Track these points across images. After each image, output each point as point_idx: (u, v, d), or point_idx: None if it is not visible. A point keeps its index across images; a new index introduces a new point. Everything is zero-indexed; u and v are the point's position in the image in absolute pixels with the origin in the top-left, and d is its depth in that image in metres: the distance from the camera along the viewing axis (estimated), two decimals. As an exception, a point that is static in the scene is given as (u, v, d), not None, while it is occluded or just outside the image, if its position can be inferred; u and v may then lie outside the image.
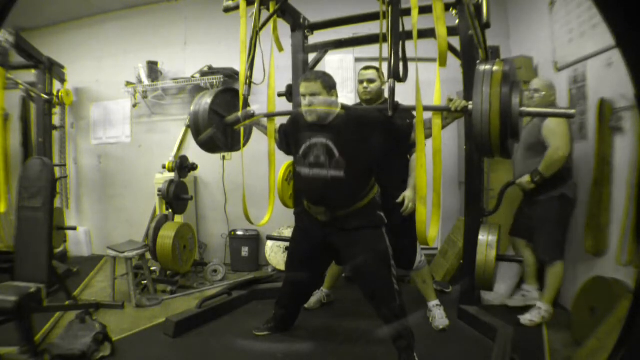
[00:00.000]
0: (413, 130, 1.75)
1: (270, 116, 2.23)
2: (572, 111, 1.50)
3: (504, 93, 1.47)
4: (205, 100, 2.16)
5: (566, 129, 2.40)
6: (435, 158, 1.65)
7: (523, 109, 1.53)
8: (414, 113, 1.70)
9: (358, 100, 2.60)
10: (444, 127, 1.72)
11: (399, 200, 2.20)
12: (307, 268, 2.19)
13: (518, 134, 1.58)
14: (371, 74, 2.42)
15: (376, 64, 2.46)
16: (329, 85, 1.93)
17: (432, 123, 1.70)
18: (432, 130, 1.69)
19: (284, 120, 2.28)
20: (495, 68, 1.54)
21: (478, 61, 2.32)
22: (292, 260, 2.26)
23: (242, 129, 2.22)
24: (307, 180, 1.99)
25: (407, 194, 2.20)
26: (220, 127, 2.21)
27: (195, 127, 2.15)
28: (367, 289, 2.00)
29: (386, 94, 1.78)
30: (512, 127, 1.50)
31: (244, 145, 2.26)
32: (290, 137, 2.15)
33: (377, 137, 1.89)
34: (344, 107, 2.00)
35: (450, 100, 1.72)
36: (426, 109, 1.64)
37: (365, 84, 2.42)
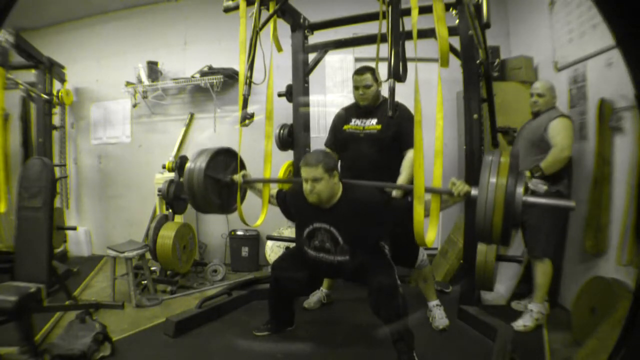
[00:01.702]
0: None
1: (267, 182, 2.26)
2: (572, 203, 1.52)
3: (510, 184, 1.49)
4: (201, 161, 2.14)
5: (572, 131, 2.41)
6: (436, 159, 1.65)
7: (525, 199, 1.53)
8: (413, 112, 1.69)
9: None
10: (443, 209, 1.73)
11: (395, 195, 2.22)
12: (297, 274, 2.19)
13: (518, 223, 1.57)
14: (367, 79, 2.37)
15: (375, 64, 2.46)
16: (330, 167, 1.94)
17: (431, 202, 1.71)
18: (430, 212, 1.71)
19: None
20: (502, 159, 1.55)
21: (479, 61, 2.33)
22: (283, 262, 2.27)
23: (239, 184, 2.21)
24: (314, 262, 2.09)
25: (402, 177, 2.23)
26: (216, 191, 2.21)
27: (190, 190, 2.14)
28: (369, 289, 2.00)
29: (385, 94, 1.78)
30: (514, 217, 1.51)
31: (241, 202, 2.28)
32: (292, 210, 2.22)
33: (378, 221, 1.97)
34: (344, 188, 2.03)
35: (454, 183, 1.71)
36: (428, 191, 1.64)
37: (361, 91, 2.38)
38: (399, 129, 2.31)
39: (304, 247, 2.11)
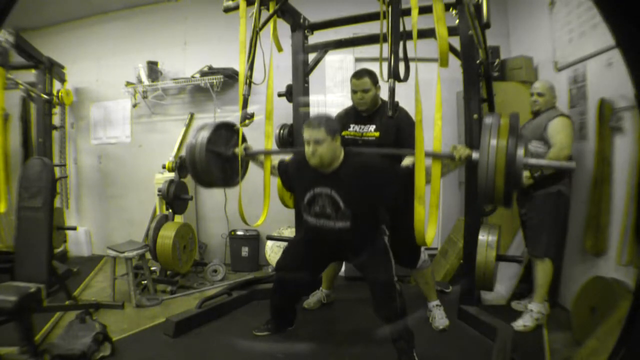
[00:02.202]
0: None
1: (269, 153, 2.24)
2: (573, 164, 1.54)
3: (510, 145, 1.50)
4: (203, 134, 2.14)
5: (572, 130, 2.42)
6: (435, 160, 1.65)
7: (526, 160, 1.55)
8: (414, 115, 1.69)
9: None
10: (445, 174, 1.72)
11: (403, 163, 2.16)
12: (300, 270, 2.18)
13: (520, 184, 1.60)
14: (365, 83, 2.32)
15: (376, 64, 2.45)
16: (333, 130, 1.92)
17: (432, 168, 1.70)
18: (432, 173, 1.70)
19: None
20: (501, 121, 1.56)
21: (479, 61, 2.33)
22: (286, 260, 2.26)
23: (240, 156, 2.21)
24: (314, 229, 2.05)
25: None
26: (217, 164, 2.20)
27: (192, 162, 2.14)
28: (369, 288, 2.01)
29: (385, 95, 1.77)
30: (516, 178, 1.53)
31: (242, 177, 2.28)
32: (293, 179, 2.18)
33: (380, 186, 1.92)
34: (346, 153, 2.00)
35: (455, 147, 1.71)
36: (428, 155, 1.64)
37: (359, 95, 2.35)
38: (398, 135, 2.29)
39: (304, 214, 2.07)
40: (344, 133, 2.46)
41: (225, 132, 2.27)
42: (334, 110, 2.70)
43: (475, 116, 2.40)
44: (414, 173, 1.65)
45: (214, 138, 2.15)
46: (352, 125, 2.45)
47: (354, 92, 2.38)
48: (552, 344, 2.26)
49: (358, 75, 2.37)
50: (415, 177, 1.65)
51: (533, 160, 1.59)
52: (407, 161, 2.18)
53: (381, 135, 2.35)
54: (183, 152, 4.05)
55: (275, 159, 2.27)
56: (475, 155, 1.64)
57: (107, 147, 4.58)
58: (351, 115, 2.49)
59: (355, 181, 1.92)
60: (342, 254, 2.17)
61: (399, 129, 2.28)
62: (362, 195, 1.93)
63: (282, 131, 2.90)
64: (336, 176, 1.95)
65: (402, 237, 2.08)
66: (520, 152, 1.51)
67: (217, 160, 2.19)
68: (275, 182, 2.57)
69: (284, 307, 2.34)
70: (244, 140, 2.24)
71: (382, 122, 2.35)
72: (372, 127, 2.38)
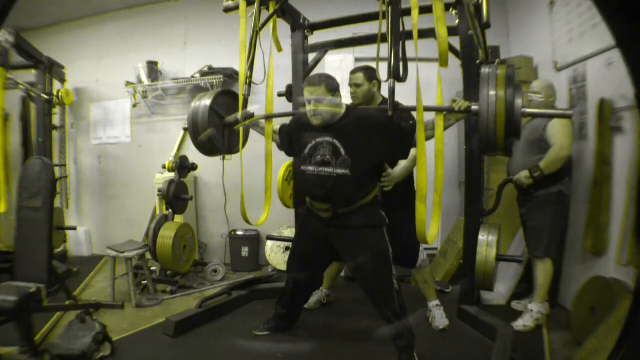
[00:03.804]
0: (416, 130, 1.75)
1: (270, 117, 2.22)
2: (570, 112, 1.62)
3: (509, 95, 1.55)
4: (205, 100, 2.16)
5: (571, 130, 2.41)
6: (437, 159, 1.65)
7: (524, 109, 1.61)
8: (414, 114, 1.70)
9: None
10: (446, 128, 1.74)
11: (384, 178, 2.15)
12: (309, 266, 2.20)
13: (519, 133, 1.68)
14: (357, 77, 2.34)
15: (376, 64, 2.46)
16: (333, 88, 1.93)
17: (435, 124, 1.71)
18: (435, 131, 1.70)
19: (282, 121, 2.28)
20: (498, 71, 1.60)
21: (478, 61, 2.33)
22: (294, 258, 2.27)
23: (241, 130, 2.21)
24: (313, 178, 2.00)
25: (391, 172, 2.17)
26: (219, 128, 2.21)
27: (194, 127, 2.15)
28: (368, 288, 2.01)
29: (385, 94, 1.78)
30: (515, 127, 1.59)
31: (242, 147, 2.26)
32: (294, 137, 2.15)
33: (381, 137, 1.90)
34: (348, 107, 2.01)
35: (454, 101, 1.73)
36: (429, 109, 1.65)
37: (352, 89, 2.37)
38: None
39: (304, 165, 2.04)
40: None
41: (228, 99, 2.29)
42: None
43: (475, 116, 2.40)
44: (415, 129, 1.67)
45: (217, 102, 2.16)
46: None
47: (350, 85, 2.41)
48: (552, 344, 2.26)
49: (353, 70, 2.41)
50: (417, 176, 1.65)
51: (530, 110, 1.67)
52: (400, 166, 2.20)
53: None
54: (183, 152, 4.06)
55: (277, 125, 2.27)
56: (475, 107, 1.68)
57: (107, 147, 4.58)
58: None
59: (356, 129, 1.92)
60: (339, 219, 2.00)
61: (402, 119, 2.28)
62: (363, 144, 1.91)
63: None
64: (337, 127, 1.96)
65: (401, 236, 2.08)
66: (519, 101, 1.57)
67: (219, 125, 2.19)
68: (276, 181, 2.57)
69: (294, 307, 2.35)
70: (245, 106, 2.22)
71: None
72: None
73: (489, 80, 1.60)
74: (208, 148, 2.24)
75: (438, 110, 1.70)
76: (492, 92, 1.57)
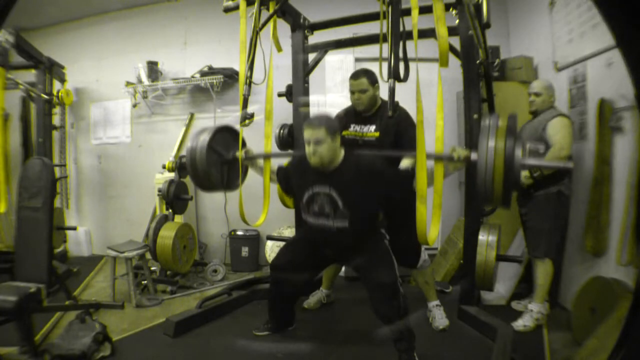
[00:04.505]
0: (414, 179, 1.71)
1: (268, 157, 2.24)
2: (570, 165, 1.55)
3: (508, 146, 1.51)
4: (203, 138, 2.14)
5: (571, 130, 2.41)
6: (437, 161, 1.65)
7: (525, 161, 1.56)
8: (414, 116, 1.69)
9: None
10: (445, 176, 1.73)
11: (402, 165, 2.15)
12: (296, 270, 2.17)
13: (518, 185, 1.62)
14: (362, 83, 2.30)
15: (376, 64, 2.44)
16: (333, 130, 1.92)
17: (434, 172, 1.70)
18: (433, 179, 1.69)
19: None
20: (500, 122, 1.57)
21: (479, 61, 2.33)
22: (280, 259, 2.25)
23: (240, 160, 2.21)
24: (313, 228, 2.05)
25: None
26: (217, 166, 2.21)
27: (192, 166, 2.14)
28: (369, 289, 2.01)
29: (385, 95, 1.77)
30: (514, 180, 1.54)
31: (242, 182, 2.28)
32: (293, 180, 2.18)
33: (380, 185, 1.93)
34: (346, 152, 2.01)
35: (454, 149, 1.72)
36: (429, 157, 1.65)
37: (357, 96, 2.34)
38: (398, 136, 2.29)
39: (304, 214, 2.07)
40: (344, 133, 2.45)
41: (226, 136, 2.27)
42: (334, 110, 2.70)
43: (476, 116, 2.40)
44: (414, 175, 1.66)
45: (214, 140, 2.16)
46: (352, 126, 2.45)
47: (351, 92, 2.37)
48: (552, 344, 2.26)
49: (355, 75, 2.36)
50: (417, 176, 1.65)
51: (531, 161, 1.60)
52: (406, 162, 2.19)
53: (381, 135, 2.35)
54: (183, 152, 4.06)
55: (274, 165, 2.28)
56: (474, 156, 1.65)
57: (107, 147, 4.58)
58: (351, 115, 2.48)
59: (354, 181, 1.93)
60: (341, 255, 2.15)
61: (399, 130, 2.28)
62: (361, 196, 1.93)
63: (282, 131, 2.89)
64: (335, 176, 1.96)
65: (403, 236, 2.08)
66: (519, 152, 1.52)
67: (217, 162, 2.19)
68: (275, 183, 2.56)
69: (280, 307, 2.35)
70: (244, 144, 2.25)
71: (382, 123, 2.35)
72: (372, 127, 2.38)
73: (489, 131, 1.56)
74: (206, 186, 2.25)
75: (436, 158, 1.69)
76: (492, 143, 1.52)
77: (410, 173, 1.77)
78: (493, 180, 1.51)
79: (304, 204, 2.05)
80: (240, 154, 2.20)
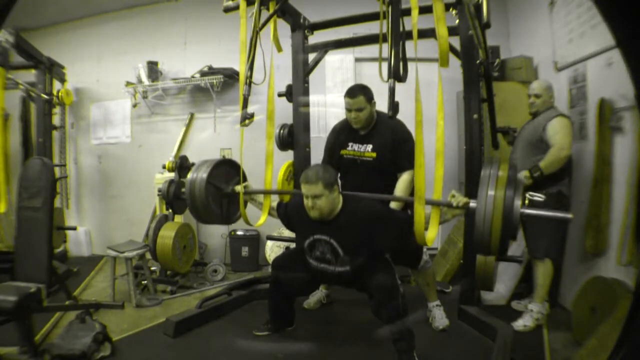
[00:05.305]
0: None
1: (268, 193, 2.26)
2: (569, 215, 1.55)
3: (508, 196, 1.51)
4: (202, 173, 2.16)
5: (571, 130, 2.41)
6: (437, 159, 1.66)
7: (524, 211, 1.55)
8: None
9: None
10: (442, 222, 1.74)
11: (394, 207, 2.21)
12: (298, 272, 2.19)
13: (515, 235, 1.61)
14: (359, 102, 2.27)
15: (376, 64, 2.44)
16: (330, 183, 1.94)
17: (430, 217, 1.72)
18: (430, 224, 1.71)
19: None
20: (500, 172, 1.57)
21: (479, 61, 2.33)
22: (285, 260, 2.29)
23: (241, 195, 2.22)
24: (315, 270, 2.10)
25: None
26: (217, 199, 2.22)
27: (192, 200, 2.16)
28: (369, 290, 2.01)
29: (385, 95, 1.77)
30: (512, 230, 1.54)
31: (240, 217, 2.30)
32: (293, 222, 2.22)
33: (380, 232, 1.96)
34: (345, 201, 2.03)
35: (453, 195, 1.72)
36: (428, 203, 1.65)
37: (354, 114, 2.31)
38: (395, 153, 2.30)
39: (306, 256, 2.12)
40: (342, 152, 2.45)
41: (226, 169, 2.30)
42: (334, 111, 2.70)
43: (475, 116, 2.41)
44: (412, 220, 1.67)
45: (214, 174, 2.19)
46: (350, 144, 2.43)
47: (348, 110, 2.34)
48: (552, 344, 2.26)
49: (352, 93, 2.31)
50: (415, 175, 1.65)
51: (530, 211, 1.58)
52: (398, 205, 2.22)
53: (378, 155, 2.35)
54: (183, 152, 4.06)
55: (275, 201, 2.31)
56: (473, 204, 1.65)
57: (107, 147, 4.58)
58: (348, 132, 2.45)
59: (353, 230, 1.96)
60: (342, 285, 2.22)
61: (396, 148, 2.29)
62: (361, 243, 1.97)
63: (282, 131, 2.89)
64: (335, 225, 1.99)
65: (404, 238, 2.08)
66: (518, 202, 1.52)
67: (216, 196, 2.22)
68: (276, 181, 2.57)
69: (280, 307, 2.35)
70: (245, 179, 2.27)
71: (380, 142, 2.34)
72: (370, 147, 2.37)
73: (489, 180, 1.56)
74: (205, 219, 2.27)
75: (436, 204, 1.69)
76: (491, 193, 1.53)
77: (411, 219, 1.74)
78: (491, 230, 1.51)
79: (306, 248, 2.09)
80: (240, 187, 2.21)
